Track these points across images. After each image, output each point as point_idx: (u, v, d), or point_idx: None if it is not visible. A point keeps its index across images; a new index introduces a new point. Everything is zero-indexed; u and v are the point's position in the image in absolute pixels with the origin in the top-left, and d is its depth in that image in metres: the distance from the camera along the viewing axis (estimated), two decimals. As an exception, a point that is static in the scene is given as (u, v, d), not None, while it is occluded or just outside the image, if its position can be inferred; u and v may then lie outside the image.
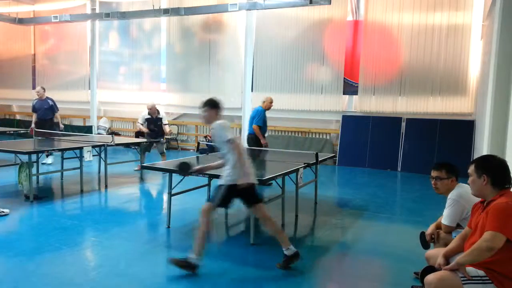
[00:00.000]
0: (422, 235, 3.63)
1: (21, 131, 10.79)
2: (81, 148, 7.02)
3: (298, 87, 11.52)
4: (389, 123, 10.54)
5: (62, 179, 7.89)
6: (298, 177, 5.58)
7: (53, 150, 7.45)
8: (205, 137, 12.52)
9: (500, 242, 2.53)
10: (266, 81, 11.84)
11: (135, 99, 13.51)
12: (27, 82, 15.72)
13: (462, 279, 2.60)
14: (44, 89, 9.61)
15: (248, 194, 3.93)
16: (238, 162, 3.80)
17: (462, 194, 3.41)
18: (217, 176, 4.24)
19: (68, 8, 13.96)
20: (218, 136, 3.89)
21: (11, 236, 4.82)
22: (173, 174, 5.08)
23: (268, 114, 8.19)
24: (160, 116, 9.12)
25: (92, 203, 6.55)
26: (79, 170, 7.09)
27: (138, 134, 9.73)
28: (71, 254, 4.30)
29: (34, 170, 6.60)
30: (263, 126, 8.03)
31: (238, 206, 6.37)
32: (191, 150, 12.83)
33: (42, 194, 6.72)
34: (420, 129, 10.21)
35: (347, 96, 11.12)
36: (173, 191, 5.20)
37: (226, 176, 3.91)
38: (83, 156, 7.01)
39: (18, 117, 16.10)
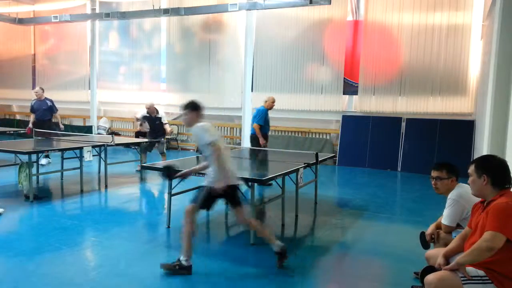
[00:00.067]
0: (422, 235, 3.63)
1: (21, 131, 10.78)
2: (81, 148, 7.03)
3: (298, 87, 11.52)
4: (389, 123, 10.55)
5: (62, 179, 7.89)
6: (298, 177, 5.58)
7: (53, 150, 7.45)
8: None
9: (500, 242, 2.53)
10: (266, 81, 11.84)
11: (135, 99, 13.51)
12: (27, 82, 15.73)
13: (462, 279, 2.60)
14: (42, 89, 9.58)
15: (229, 196, 3.93)
16: (217, 164, 3.79)
17: (462, 194, 3.41)
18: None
19: (68, 8, 13.97)
20: (199, 139, 3.88)
21: (11, 236, 4.82)
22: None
23: (268, 114, 8.18)
24: (159, 116, 9.12)
25: (92, 203, 6.55)
26: (79, 170, 7.10)
27: (138, 134, 9.74)
28: (71, 254, 4.30)
29: (34, 170, 6.60)
30: (265, 126, 8.02)
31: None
32: (191, 150, 12.83)
33: (42, 194, 6.72)
34: (420, 129, 10.21)
35: (347, 96, 11.12)
36: (173, 191, 5.20)
37: (208, 177, 3.92)
38: (83, 156, 7.01)
39: (18, 117, 16.10)
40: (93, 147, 7.29)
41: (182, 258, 3.83)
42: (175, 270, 3.80)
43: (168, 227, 5.20)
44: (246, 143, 11.29)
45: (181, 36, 13.16)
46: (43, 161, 9.27)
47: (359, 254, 4.63)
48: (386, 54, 10.54)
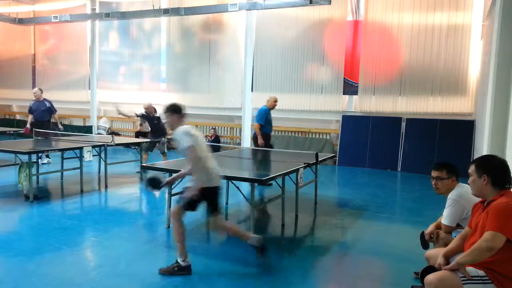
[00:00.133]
0: (422, 235, 3.63)
1: (21, 131, 10.79)
2: (81, 148, 7.03)
3: (298, 87, 11.52)
4: (389, 123, 10.55)
5: (62, 179, 7.89)
6: (298, 177, 5.58)
7: (53, 150, 7.45)
8: (205, 137, 12.51)
9: (500, 242, 2.53)
10: (266, 81, 11.84)
11: (135, 99, 13.49)
12: (27, 82, 15.73)
13: (462, 279, 2.60)
14: (41, 90, 9.56)
15: (208, 199, 3.90)
16: (195, 169, 3.79)
17: (462, 194, 3.41)
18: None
19: (68, 8, 13.98)
20: (179, 143, 3.82)
21: (11, 236, 4.82)
22: (173, 174, 5.07)
23: (271, 114, 8.16)
24: (157, 115, 9.10)
25: (92, 203, 6.55)
26: (79, 170, 7.10)
27: (138, 134, 9.73)
28: (71, 254, 4.30)
29: (34, 170, 6.60)
30: (266, 125, 8.00)
31: (238, 206, 6.40)
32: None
33: (42, 194, 6.73)
34: (420, 129, 10.21)
35: (347, 96, 11.13)
36: (173, 191, 5.19)
37: (191, 180, 3.91)
38: (83, 156, 7.01)
39: (18, 117, 16.10)
40: (93, 147, 7.29)
41: (179, 259, 3.84)
42: (175, 272, 3.80)
43: (168, 227, 5.20)
44: (246, 143, 11.31)
45: (181, 36, 13.16)
46: (44, 160, 9.29)
47: (359, 254, 4.63)
48: (386, 54, 10.54)
